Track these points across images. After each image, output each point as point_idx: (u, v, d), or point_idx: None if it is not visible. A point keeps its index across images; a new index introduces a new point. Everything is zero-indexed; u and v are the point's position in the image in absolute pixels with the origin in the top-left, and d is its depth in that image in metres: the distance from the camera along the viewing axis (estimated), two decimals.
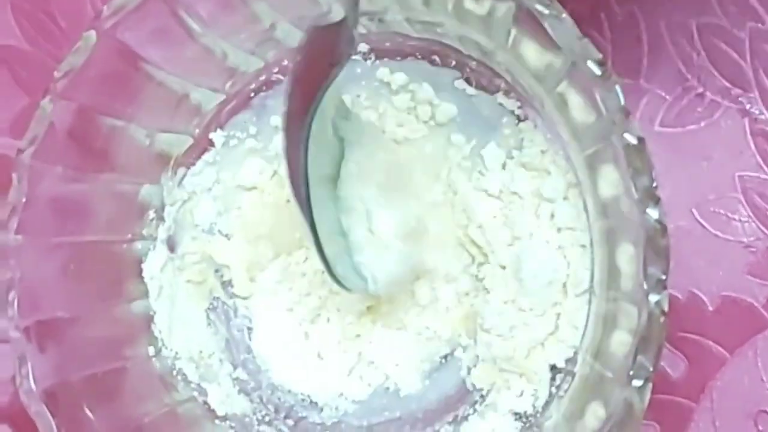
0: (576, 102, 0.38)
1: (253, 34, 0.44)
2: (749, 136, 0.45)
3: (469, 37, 0.41)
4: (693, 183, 0.45)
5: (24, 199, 0.39)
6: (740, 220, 0.45)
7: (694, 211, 0.45)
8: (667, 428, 0.45)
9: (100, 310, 0.43)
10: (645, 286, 0.36)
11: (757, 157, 0.45)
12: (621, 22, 0.46)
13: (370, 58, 0.46)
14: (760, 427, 0.44)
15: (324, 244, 0.38)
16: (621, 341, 0.38)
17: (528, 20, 0.37)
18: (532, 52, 0.38)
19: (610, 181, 0.38)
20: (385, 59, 0.46)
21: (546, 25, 0.36)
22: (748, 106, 0.45)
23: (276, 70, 0.46)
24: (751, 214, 0.45)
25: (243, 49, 0.44)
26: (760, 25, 0.45)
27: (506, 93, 0.44)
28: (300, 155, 0.37)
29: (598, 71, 0.36)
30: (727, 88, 0.45)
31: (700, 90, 0.46)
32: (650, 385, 0.35)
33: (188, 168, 0.46)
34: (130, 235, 0.45)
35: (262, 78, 0.46)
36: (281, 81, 0.46)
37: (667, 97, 0.46)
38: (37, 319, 0.40)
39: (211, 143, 0.46)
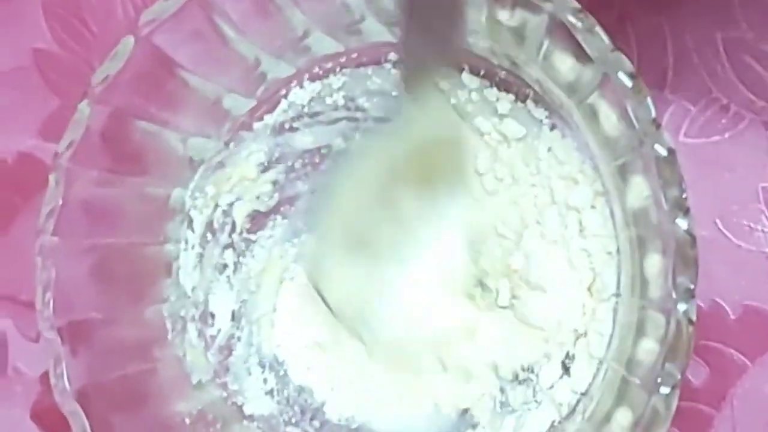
0: (606, 113, 0.38)
1: (285, 41, 0.44)
2: None
3: (499, 49, 0.42)
4: (716, 193, 0.46)
5: (60, 202, 0.40)
6: (763, 231, 0.45)
7: (717, 221, 0.46)
8: None
9: (131, 312, 0.43)
10: (674, 295, 0.37)
11: None
12: (647, 34, 0.46)
13: None
14: None
15: None
16: (649, 349, 0.38)
17: (560, 33, 0.37)
18: (563, 65, 0.39)
19: (640, 191, 0.38)
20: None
21: (579, 37, 0.37)
22: None
23: (307, 76, 0.47)
24: None
25: (275, 56, 0.45)
26: None
27: (535, 102, 0.44)
28: None
29: (629, 83, 0.37)
30: (751, 100, 0.46)
31: (725, 102, 0.46)
32: (677, 392, 0.36)
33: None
34: (161, 237, 0.45)
35: (293, 84, 0.47)
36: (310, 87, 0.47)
37: (692, 108, 0.46)
38: (70, 319, 0.40)
39: None
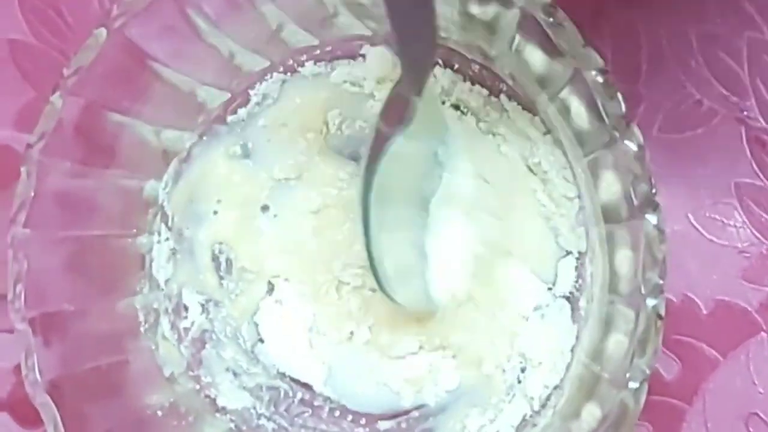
0: (578, 108, 0.38)
1: (259, 34, 0.44)
2: (745, 143, 0.46)
3: (473, 43, 0.42)
4: (689, 188, 0.46)
5: (32, 194, 0.40)
6: (735, 226, 0.46)
7: (690, 216, 0.46)
8: (660, 429, 0.45)
9: (104, 303, 0.43)
10: (643, 291, 0.37)
11: (753, 164, 0.46)
12: (621, 29, 0.47)
13: None
14: (751, 430, 0.45)
15: (396, 262, 0.42)
16: (618, 343, 0.38)
17: (532, 27, 0.37)
18: (535, 59, 0.39)
19: (610, 186, 0.39)
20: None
21: (549, 32, 0.37)
22: (744, 114, 0.46)
23: (281, 69, 0.47)
24: (746, 220, 0.46)
25: (249, 49, 0.45)
26: (758, 34, 0.46)
27: (508, 97, 0.45)
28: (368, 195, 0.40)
29: (600, 79, 0.37)
30: (724, 95, 0.46)
31: (698, 97, 0.46)
32: (646, 387, 0.36)
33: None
34: (135, 230, 0.45)
35: (268, 77, 0.47)
36: (285, 80, 0.47)
37: (666, 103, 0.46)
38: (42, 311, 0.40)
39: None
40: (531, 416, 0.44)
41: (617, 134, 0.37)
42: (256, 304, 0.47)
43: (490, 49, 0.41)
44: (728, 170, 0.46)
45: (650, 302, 0.37)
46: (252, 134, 0.47)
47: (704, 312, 0.45)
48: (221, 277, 0.47)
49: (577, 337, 0.43)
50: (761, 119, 0.46)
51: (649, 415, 0.45)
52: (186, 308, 0.46)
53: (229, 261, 0.47)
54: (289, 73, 0.47)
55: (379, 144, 0.40)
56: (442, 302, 0.45)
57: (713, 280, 0.46)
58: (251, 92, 0.47)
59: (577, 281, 0.44)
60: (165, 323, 0.46)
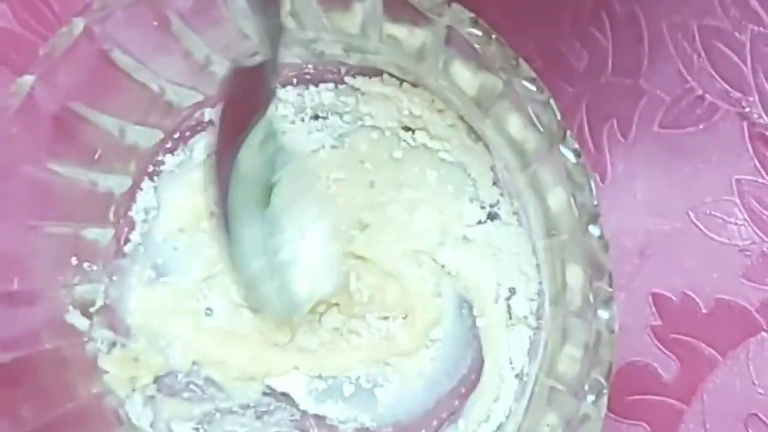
0: (514, 120, 0.38)
1: (188, 68, 0.43)
2: (747, 140, 0.45)
3: (403, 63, 0.42)
4: (690, 185, 0.45)
5: None
6: (736, 224, 0.45)
7: (690, 213, 0.45)
8: (657, 429, 0.45)
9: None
10: (592, 301, 0.36)
11: (755, 161, 0.45)
12: (622, 21, 0.46)
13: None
14: (750, 430, 0.44)
15: (246, 265, 0.40)
16: (573, 356, 0.38)
17: (459, 44, 0.37)
18: (464, 75, 0.39)
19: (553, 198, 0.38)
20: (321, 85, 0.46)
21: (476, 46, 0.36)
22: (747, 110, 0.45)
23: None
24: (747, 217, 0.45)
25: (179, 84, 0.44)
26: (761, 28, 0.45)
27: (440, 112, 0.44)
28: (222, 193, 0.38)
29: (532, 87, 0.36)
30: (726, 91, 0.45)
31: (700, 92, 0.45)
32: (605, 399, 0.36)
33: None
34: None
35: (200, 112, 0.46)
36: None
37: (667, 98, 0.46)
38: None
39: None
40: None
41: (554, 143, 0.36)
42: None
43: (417, 69, 0.42)
44: (729, 167, 0.45)
45: (602, 314, 0.36)
46: (156, 252, 0.46)
47: (704, 311, 0.45)
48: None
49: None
50: (764, 115, 0.45)
51: (646, 415, 0.45)
52: None
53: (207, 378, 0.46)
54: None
55: (232, 136, 0.38)
56: (307, 303, 0.43)
57: (713, 278, 0.45)
58: (132, 214, 0.46)
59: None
60: None
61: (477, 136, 0.43)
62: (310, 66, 0.45)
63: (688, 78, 0.46)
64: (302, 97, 0.46)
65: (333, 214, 0.43)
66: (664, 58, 0.46)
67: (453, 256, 0.44)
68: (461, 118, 0.43)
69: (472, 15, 0.36)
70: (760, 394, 0.44)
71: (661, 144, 0.45)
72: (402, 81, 0.44)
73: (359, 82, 0.45)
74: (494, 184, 0.44)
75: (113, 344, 0.45)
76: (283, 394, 0.45)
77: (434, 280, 0.44)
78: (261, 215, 0.41)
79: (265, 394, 0.46)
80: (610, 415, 0.44)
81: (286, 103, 0.46)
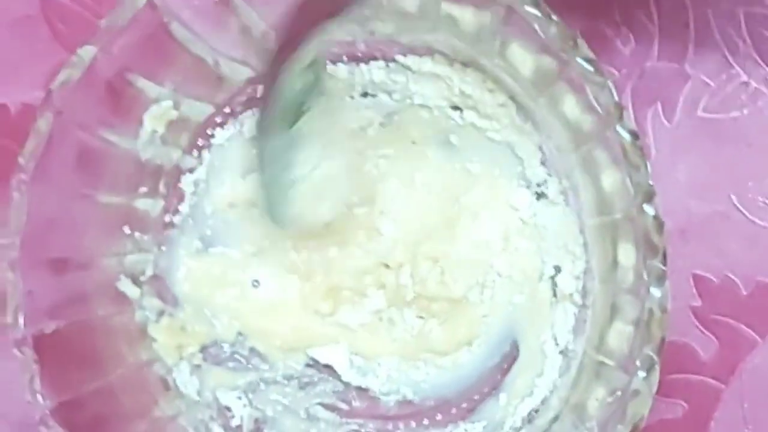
0: (570, 101, 0.39)
1: (244, 43, 0.43)
2: None
3: (457, 43, 0.42)
4: (733, 169, 0.46)
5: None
6: None
7: (732, 196, 0.46)
8: (695, 408, 0.45)
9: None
10: (645, 277, 0.37)
11: None
12: (669, 8, 0.46)
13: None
14: None
15: (264, 170, 0.41)
16: (622, 332, 0.39)
17: (518, 24, 0.38)
18: (522, 56, 0.39)
19: (607, 178, 0.39)
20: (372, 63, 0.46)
21: (536, 27, 0.37)
22: None
23: None
24: None
25: (233, 59, 0.44)
26: None
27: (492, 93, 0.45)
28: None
29: (590, 68, 0.37)
30: None
31: (745, 78, 0.46)
32: (656, 375, 0.36)
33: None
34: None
35: (252, 88, 0.46)
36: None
37: (711, 83, 0.46)
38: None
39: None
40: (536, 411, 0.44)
41: (610, 124, 0.37)
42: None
43: (476, 49, 0.42)
44: None
45: (655, 292, 0.37)
46: (204, 224, 0.47)
47: (744, 293, 0.46)
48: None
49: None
50: None
51: (684, 394, 0.45)
52: (228, 409, 0.46)
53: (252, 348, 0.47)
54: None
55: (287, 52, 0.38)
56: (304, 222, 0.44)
57: (754, 260, 0.46)
58: (181, 186, 0.46)
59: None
60: (217, 429, 0.45)
61: (526, 116, 0.44)
62: (361, 43, 0.45)
63: (734, 64, 0.46)
64: (353, 74, 0.46)
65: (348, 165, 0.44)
66: (709, 44, 0.46)
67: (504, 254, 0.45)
68: (512, 97, 0.44)
69: None
70: None
71: (705, 128, 0.46)
72: (453, 60, 0.44)
73: (410, 60, 0.45)
74: (542, 164, 0.44)
75: (161, 313, 0.45)
76: (326, 366, 0.46)
77: (489, 294, 0.45)
78: (287, 131, 0.41)
79: (308, 365, 0.46)
80: None
81: (336, 80, 0.46)
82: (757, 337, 0.45)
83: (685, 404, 0.45)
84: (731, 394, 0.45)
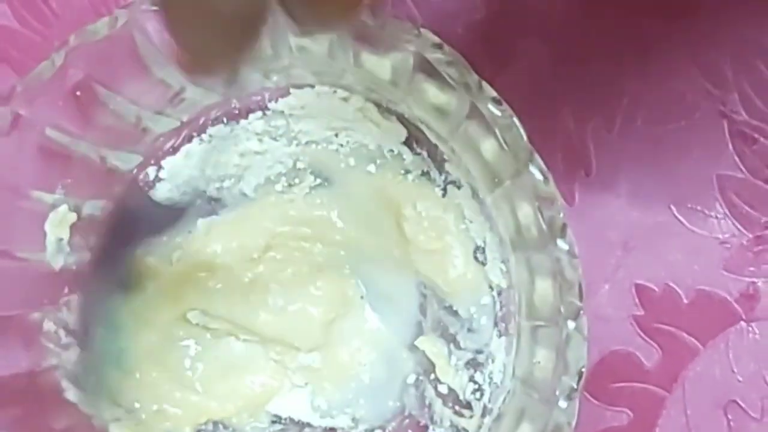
0: (482, 141, 0.39)
1: (163, 96, 0.43)
2: (728, 137, 0.46)
3: (372, 86, 0.43)
4: (672, 180, 0.47)
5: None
6: (716, 217, 0.46)
7: (672, 207, 0.47)
8: (640, 416, 0.46)
9: None
10: (563, 312, 0.37)
11: (735, 157, 0.46)
12: (603, 20, 0.47)
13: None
14: (730, 416, 0.46)
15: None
16: (544, 366, 0.39)
17: (426, 68, 0.38)
18: (431, 93, 0.39)
19: (522, 214, 0.39)
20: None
21: (441, 71, 0.37)
22: (727, 108, 0.47)
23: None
24: (727, 211, 0.46)
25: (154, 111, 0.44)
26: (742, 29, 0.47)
27: (417, 141, 0.45)
28: None
29: (497, 111, 0.37)
30: (708, 89, 0.47)
31: (682, 90, 0.47)
32: (576, 403, 0.37)
33: None
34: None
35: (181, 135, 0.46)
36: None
37: (649, 96, 0.47)
38: None
39: None
40: None
41: (521, 163, 0.37)
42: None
43: (391, 95, 0.42)
44: (711, 162, 0.47)
45: (570, 324, 0.37)
46: None
47: (685, 301, 0.46)
48: None
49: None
50: (743, 113, 0.46)
51: (629, 402, 0.46)
52: None
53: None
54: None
55: None
56: None
57: (694, 270, 0.46)
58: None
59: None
60: None
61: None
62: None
63: (670, 76, 0.47)
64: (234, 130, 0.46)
65: None
66: (646, 58, 0.47)
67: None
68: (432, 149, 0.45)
69: (438, 40, 0.37)
70: (739, 381, 0.46)
71: (644, 140, 0.47)
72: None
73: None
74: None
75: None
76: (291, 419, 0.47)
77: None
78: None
79: (273, 422, 0.47)
80: (594, 401, 0.46)
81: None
82: (698, 344, 0.46)
83: (630, 412, 0.46)
84: (674, 401, 0.46)
